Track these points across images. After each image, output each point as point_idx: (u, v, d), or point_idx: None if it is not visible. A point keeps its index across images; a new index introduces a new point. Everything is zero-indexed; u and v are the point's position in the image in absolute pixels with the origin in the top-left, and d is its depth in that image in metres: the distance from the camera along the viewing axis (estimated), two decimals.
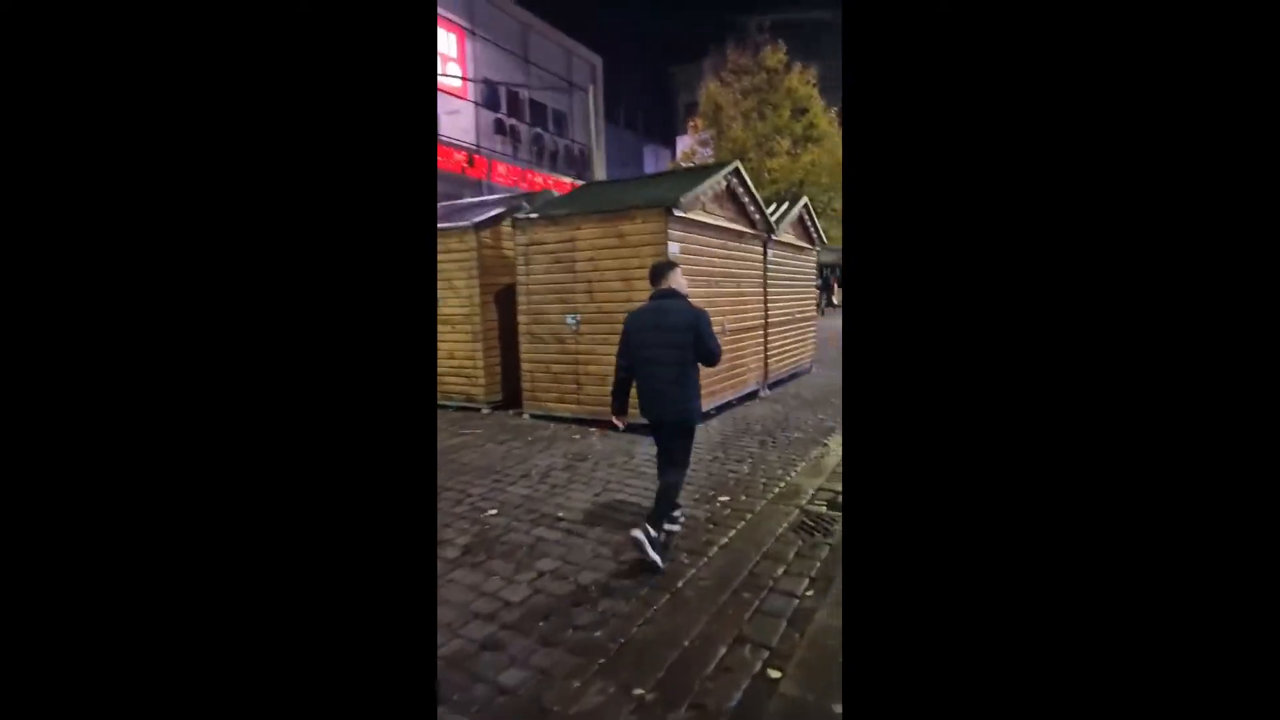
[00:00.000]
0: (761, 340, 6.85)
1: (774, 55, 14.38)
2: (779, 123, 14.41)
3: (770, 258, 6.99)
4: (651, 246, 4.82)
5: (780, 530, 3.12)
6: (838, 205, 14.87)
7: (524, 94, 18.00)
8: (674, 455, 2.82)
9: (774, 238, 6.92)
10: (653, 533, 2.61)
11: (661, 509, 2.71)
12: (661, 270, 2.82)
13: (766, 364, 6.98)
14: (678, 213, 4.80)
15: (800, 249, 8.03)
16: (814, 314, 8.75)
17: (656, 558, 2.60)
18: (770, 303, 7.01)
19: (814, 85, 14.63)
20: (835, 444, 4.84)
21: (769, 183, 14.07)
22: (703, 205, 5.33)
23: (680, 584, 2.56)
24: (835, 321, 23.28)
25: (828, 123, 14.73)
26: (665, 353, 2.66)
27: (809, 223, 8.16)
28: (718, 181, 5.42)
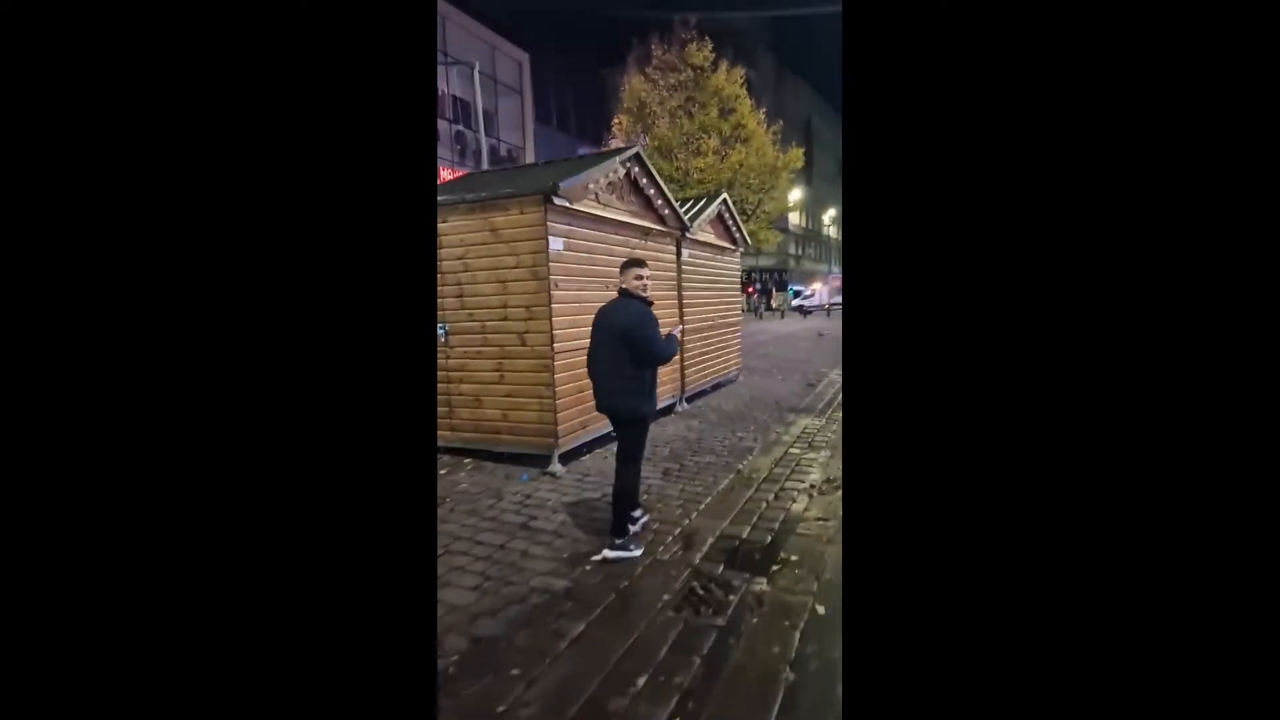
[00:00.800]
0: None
1: (699, 52, 13.88)
2: (706, 121, 13.89)
3: (686, 258, 6.33)
4: (529, 242, 4.02)
5: (660, 604, 2.39)
6: (769, 207, 14.51)
7: (444, 89, 16.87)
8: (621, 447, 2.87)
9: (689, 236, 6.27)
10: (618, 542, 2.80)
11: (619, 515, 2.84)
12: (623, 268, 2.86)
13: (683, 375, 6.30)
14: (560, 201, 4.03)
15: (721, 249, 7.43)
16: (738, 319, 8.18)
17: (635, 553, 2.79)
18: (686, 307, 6.35)
19: (741, 84, 14.27)
20: (749, 468, 4.19)
21: (696, 183, 13.55)
22: (595, 195, 4.59)
23: (497, 714, 1.77)
24: (773, 325, 23.28)
25: (756, 122, 14.37)
26: (604, 351, 2.77)
27: (730, 222, 7.58)
28: (613, 169, 4.68)
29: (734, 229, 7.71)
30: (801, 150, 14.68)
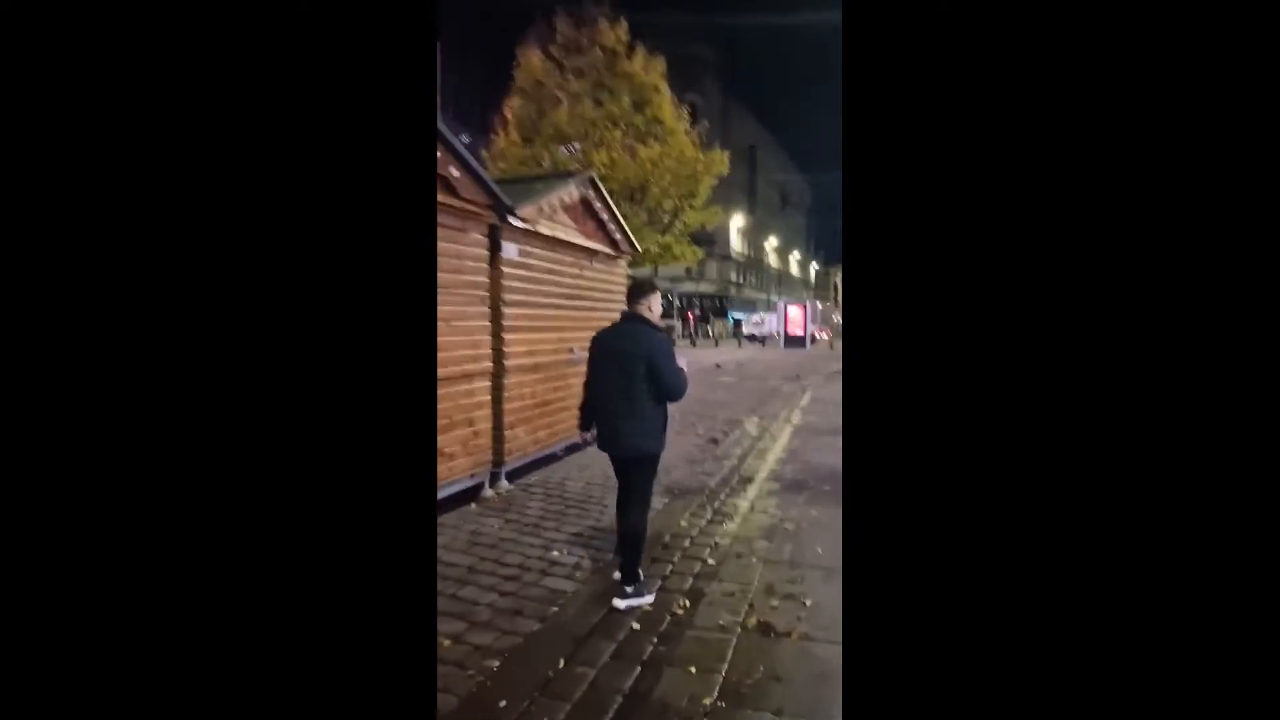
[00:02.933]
0: (488, 399, 3.94)
1: (613, 32, 11.88)
2: (615, 110, 11.88)
3: (512, 257, 4.17)
4: None
5: None
6: (691, 219, 12.55)
7: None
8: (634, 494, 2.53)
9: (517, 223, 4.11)
10: (629, 590, 2.46)
11: (631, 560, 2.48)
12: (637, 291, 2.58)
13: (500, 438, 4.07)
14: None
15: (587, 252, 5.31)
16: None
17: (648, 600, 2.47)
18: (513, 332, 4.16)
19: (661, 76, 12.37)
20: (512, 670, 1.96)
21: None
22: None
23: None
24: (705, 354, 21.31)
25: (675, 118, 12.46)
26: (616, 382, 2.44)
27: (606, 217, 5.49)
28: None
29: (614, 228, 5.63)
30: (726, 154, 12.76)
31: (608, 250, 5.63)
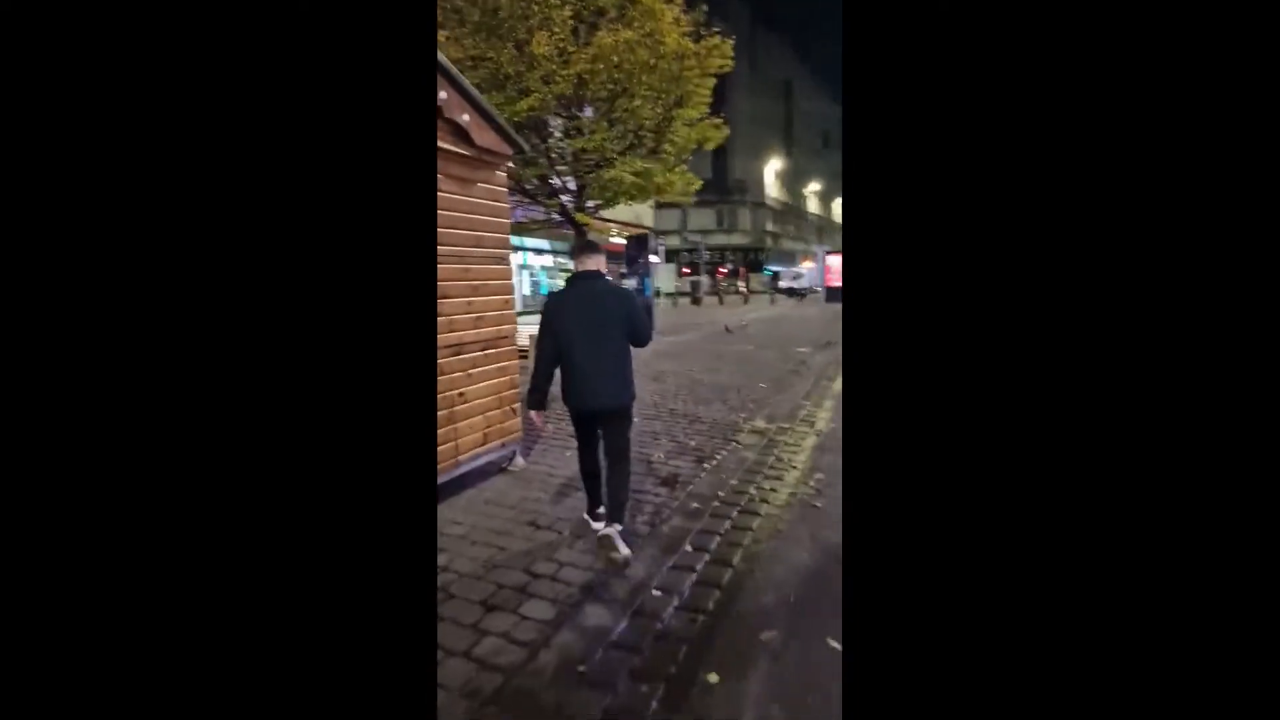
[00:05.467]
0: None
1: None
2: None
3: None
4: None
5: None
6: (681, 137, 9.31)
7: None
8: (619, 445, 2.58)
9: None
10: (619, 527, 2.52)
11: (620, 501, 2.58)
12: (585, 250, 2.59)
13: None
14: None
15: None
16: (510, 327, 3.58)
17: (626, 550, 2.47)
18: None
19: None
20: None
21: (543, 82, 7.91)
22: None
23: None
24: (722, 314, 18.31)
25: None
26: (600, 342, 2.46)
27: (461, 90, 2.88)
28: None
29: (460, 107, 3.03)
30: (730, 42, 9.43)
31: (454, 147, 3.06)
